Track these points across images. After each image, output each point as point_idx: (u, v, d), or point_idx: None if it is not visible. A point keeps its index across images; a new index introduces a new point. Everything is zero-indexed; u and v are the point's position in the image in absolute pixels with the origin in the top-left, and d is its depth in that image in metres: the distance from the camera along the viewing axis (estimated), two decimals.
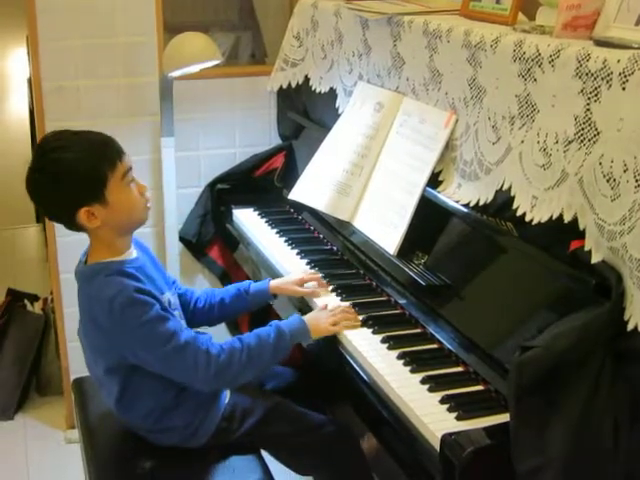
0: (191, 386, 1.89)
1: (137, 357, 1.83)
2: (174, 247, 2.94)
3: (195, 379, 1.84)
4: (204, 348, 1.82)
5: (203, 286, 3.16)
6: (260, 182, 2.95)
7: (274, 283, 2.18)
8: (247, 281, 2.20)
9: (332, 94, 2.61)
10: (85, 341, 1.95)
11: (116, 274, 1.82)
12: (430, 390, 1.66)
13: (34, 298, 3.46)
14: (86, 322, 1.90)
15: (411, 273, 1.99)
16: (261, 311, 2.34)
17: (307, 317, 1.98)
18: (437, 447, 1.48)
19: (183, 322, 1.94)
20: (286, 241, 2.49)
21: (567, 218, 1.57)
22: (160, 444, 1.96)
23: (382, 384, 1.72)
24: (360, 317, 1.97)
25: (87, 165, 1.81)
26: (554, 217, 1.61)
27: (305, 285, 2.16)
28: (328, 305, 2.04)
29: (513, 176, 1.74)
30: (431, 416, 1.57)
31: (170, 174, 2.86)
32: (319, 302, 2.08)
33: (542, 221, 1.64)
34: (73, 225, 1.86)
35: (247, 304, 2.18)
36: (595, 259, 1.50)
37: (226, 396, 2.03)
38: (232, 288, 2.18)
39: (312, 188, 2.43)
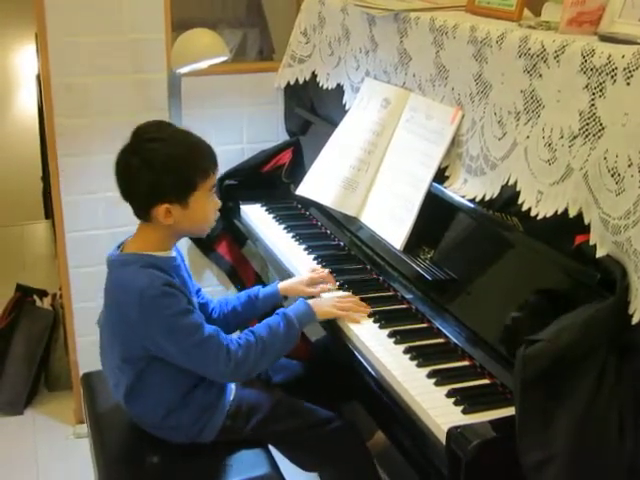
0: (207, 377, 1.92)
1: (160, 348, 1.84)
2: (182, 243, 2.95)
3: (214, 372, 1.87)
4: (225, 343, 1.85)
5: (211, 282, 3.17)
6: (268, 178, 2.95)
7: (283, 285, 2.19)
8: (257, 287, 2.21)
9: (339, 90, 2.62)
10: (106, 327, 1.96)
11: (150, 267, 1.84)
12: (436, 384, 1.67)
13: (43, 294, 3.47)
14: (111, 308, 1.91)
15: (417, 268, 2.00)
16: None
17: (312, 300, 2.01)
18: (443, 440, 1.50)
19: None
20: (293, 237, 2.50)
21: (572, 213, 1.58)
22: (168, 440, 1.97)
23: (389, 378, 1.73)
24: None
25: (182, 166, 1.83)
26: (559, 212, 1.61)
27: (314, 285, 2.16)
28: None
29: (519, 171, 1.75)
30: (437, 410, 1.58)
31: None
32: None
33: (547, 216, 1.65)
34: (144, 213, 1.87)
35: (258, 309, 2.19)
36: (600, 253, 1.51)
37: (231, 393, 2.04)
38: (243, 295, 2.19)
39: (319, 184, 2.44)
